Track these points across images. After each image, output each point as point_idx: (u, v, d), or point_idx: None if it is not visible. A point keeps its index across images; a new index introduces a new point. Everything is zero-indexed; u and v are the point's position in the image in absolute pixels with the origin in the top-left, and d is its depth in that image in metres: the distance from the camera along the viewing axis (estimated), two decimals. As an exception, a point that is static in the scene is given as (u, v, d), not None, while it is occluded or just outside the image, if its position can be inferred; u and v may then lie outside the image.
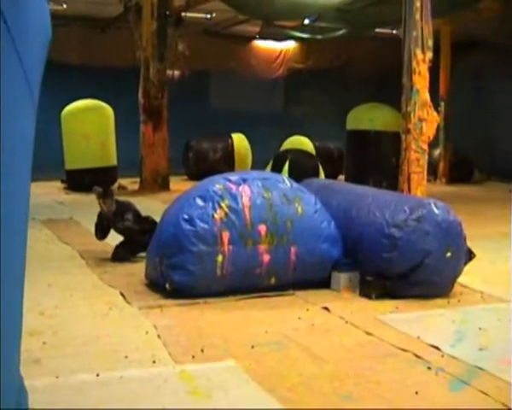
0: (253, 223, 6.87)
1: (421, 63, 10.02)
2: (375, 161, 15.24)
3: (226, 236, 6.74)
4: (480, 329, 5.98)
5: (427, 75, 10.13)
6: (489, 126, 20.59)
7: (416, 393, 4.55)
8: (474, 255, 7.41)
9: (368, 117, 15.60)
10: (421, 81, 10.07)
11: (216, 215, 6.75)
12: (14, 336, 1.46)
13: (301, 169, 12.58)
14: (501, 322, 6.19)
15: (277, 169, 12.52)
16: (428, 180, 10.91)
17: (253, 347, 5.40)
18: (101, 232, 8.55)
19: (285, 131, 18.73)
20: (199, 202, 6.81)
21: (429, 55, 10.06)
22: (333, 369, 5.01)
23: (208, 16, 18.89)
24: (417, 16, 10.00)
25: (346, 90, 22.04)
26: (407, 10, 10.14)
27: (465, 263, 7.19)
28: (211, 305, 6.57)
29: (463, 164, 19.67)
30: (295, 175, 9.28)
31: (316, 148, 17.46)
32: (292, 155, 13.70)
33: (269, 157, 14.64)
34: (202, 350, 5.27)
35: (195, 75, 20.90)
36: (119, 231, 8.46)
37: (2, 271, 1.32)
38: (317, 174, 13.13)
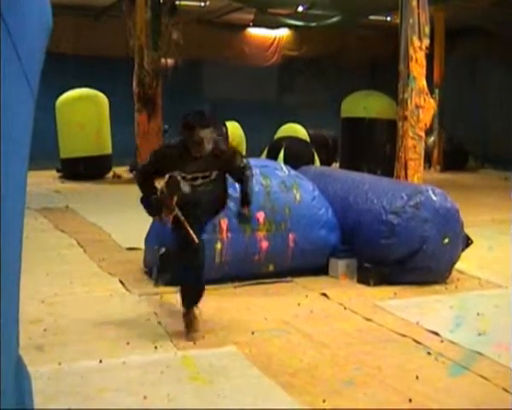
0: (251, 210, 6.86)
1: (417, 50, 9.98)
2: (370, 148, 15.25)
3: (225, 223, 6.75)
4: (478, 314, 6.02)
5: (424, 62, 10.10)
6: (483, 114, 20.60)
7: (417, 378, 4.59)
8: (472, 242, 7.45)
9: (362, 105, 15.59)
10: (417, 68, 10.03)
11: (215, 203, 6.74)
12: (10, 323, 1.46)
13: (297, 156, 12.61)
14: (498, 308, 6.23)
15: (273, 156, 12.55)
16: (423, 168, 10.89)
17: (253, 333, 5.43)
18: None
19: (279, 119, 18.70)
20: (197, 189, 6.80)
21: (426, 42, 10.02)
22: (334, 354, 5.04)
23: (202, 4, 18.81)
24: (414, 3, 9.95)
25: (340, 77, 22.03)
26: (404, -3, 10.11)
27: (462, 249, 7.23)
28: (210, 292, 6.53)
29: (457, 151, 19.69)
30: (291, 162, 9.28)
31: (310, 135, 17.40)
32: (287, 143, 13.74)
33: (263, 145, 14.66)
34: (203, 336, 5.30)
35: (189, 63, 20.81)
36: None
37: None
38: (312, 161, 13.16)
